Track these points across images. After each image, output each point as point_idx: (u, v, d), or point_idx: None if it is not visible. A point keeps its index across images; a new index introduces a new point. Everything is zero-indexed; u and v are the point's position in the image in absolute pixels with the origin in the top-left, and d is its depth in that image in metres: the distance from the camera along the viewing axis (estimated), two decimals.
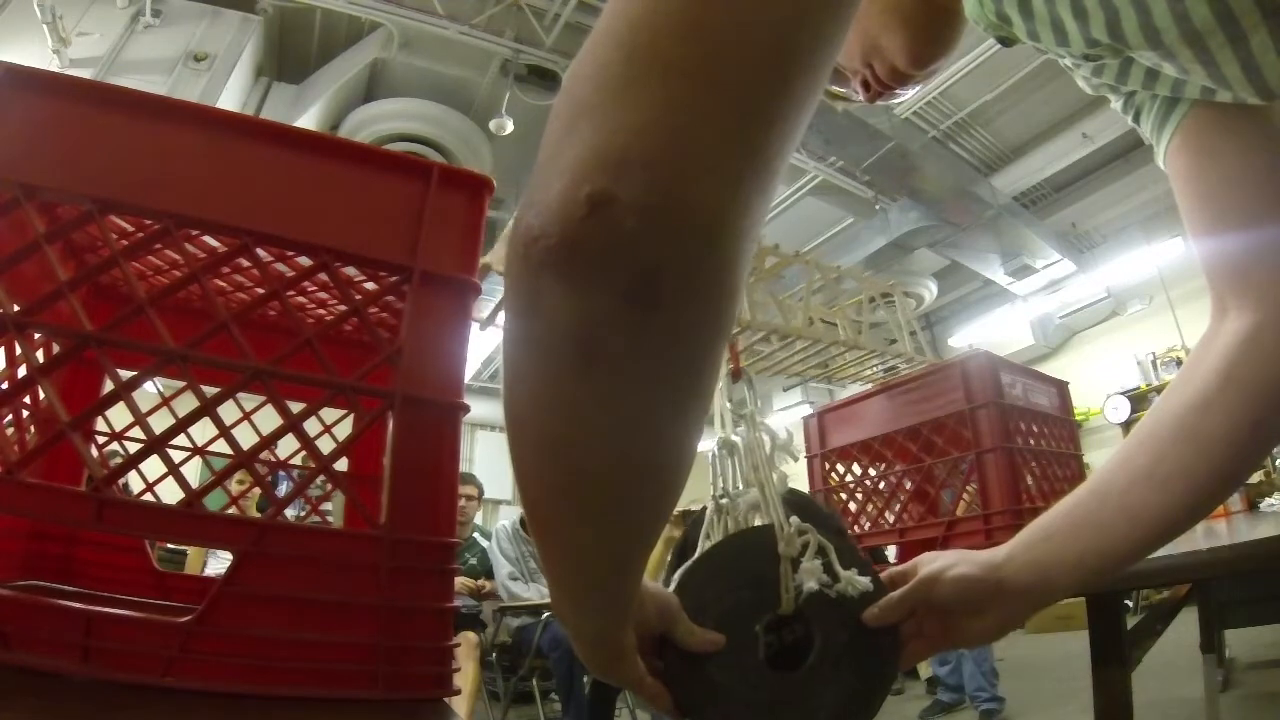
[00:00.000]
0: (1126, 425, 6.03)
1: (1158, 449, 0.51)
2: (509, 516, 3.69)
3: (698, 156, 0.22)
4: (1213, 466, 0.49)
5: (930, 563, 0.54)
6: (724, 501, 0.55)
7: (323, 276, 0.49)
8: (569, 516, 0.32)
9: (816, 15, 0.22)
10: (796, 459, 0.58)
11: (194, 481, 0.48)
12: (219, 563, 2.89)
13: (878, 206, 4.93)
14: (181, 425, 0.47)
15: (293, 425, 0.47)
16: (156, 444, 0.45)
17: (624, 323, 0.24)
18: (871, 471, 1.80)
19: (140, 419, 0.46)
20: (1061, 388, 1.66)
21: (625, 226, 0.21)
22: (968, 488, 1.42)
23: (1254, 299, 0.50)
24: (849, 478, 1.82)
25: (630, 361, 0.25)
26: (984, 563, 0.53)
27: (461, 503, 3.13)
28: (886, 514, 1.69)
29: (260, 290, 0.57)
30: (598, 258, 0.22)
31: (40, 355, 0.48)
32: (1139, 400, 6.00)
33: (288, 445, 0.52)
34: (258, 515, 0.46)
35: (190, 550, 3.07)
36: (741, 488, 0.54)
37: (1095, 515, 0.51)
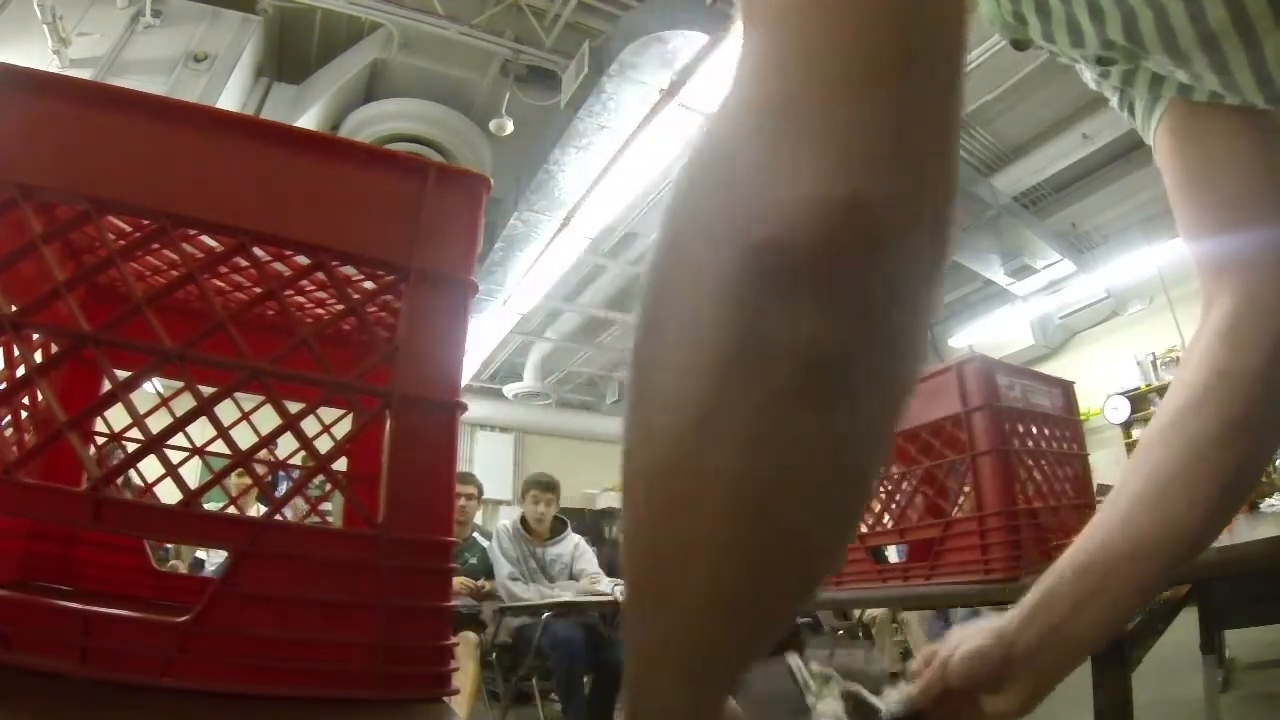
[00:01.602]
0: (1126, 425, 6.03)
1: (1152, 464, 0.48)
2: (509, 516, 3.69)
3: (927, 155, 0.21)
4: (1211, 471, 0.46)
5: (952, 642, 0.51)
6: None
7: (320, 276, 0.49)
8: (744, 589, 0.24)
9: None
10: None
11: (196, 482, 0.48)
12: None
13: None
14: (179, 425, 0.47)
15: (291, 424, 0.47)
16: (154, 444, 0.45)
17: (879, 339, 0.21)
18: None
19: (138, 419, 0.46)
20: (1066, 388, 1.66)
21: (885, 229, 0.20)
22: (964, 489, 1.41)
23: (1230, 287, 0.49)
24: None
25: (876, 386, 0.22)
26: (994, 630, 0.50)
27: (461, 502, 3.14)
28: (885, 516, 1.69)
29: (258, 290, 0.57)
30: (859, 266, 0.20)
31: (38, 355, 0.48)
32: (1139, 400, 6.00)
33: (287, 445, 0.52)
34: (261, 510, 0.46)
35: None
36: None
37: (1099, 552, 0.48)
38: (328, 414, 0.66)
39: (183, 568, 3.29)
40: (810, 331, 0.20)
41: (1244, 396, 0.46)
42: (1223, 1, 0.39)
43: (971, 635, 0.50)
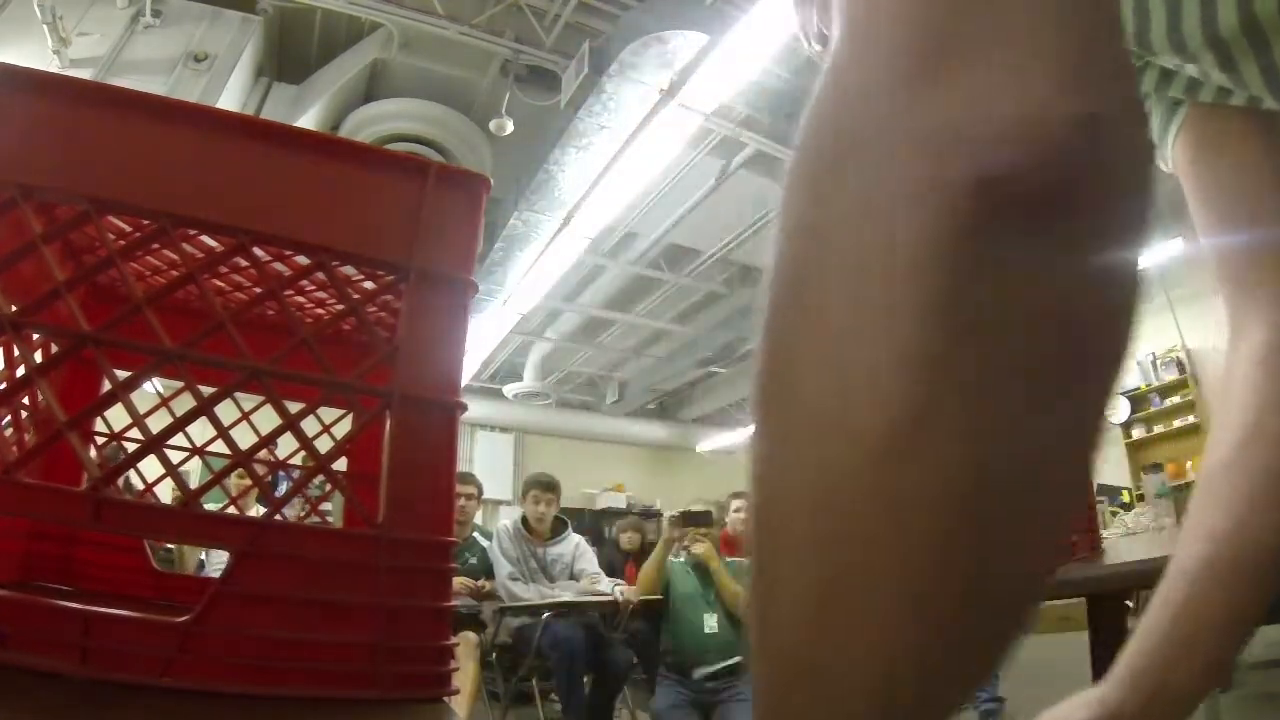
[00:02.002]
0: (1126, 425, 6.03)
1: (1225, 499, 0.46)
2: (509, 516, 3.69)
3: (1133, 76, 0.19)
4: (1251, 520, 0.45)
5: (1053, 718, 0.49)
6: None
7: (320, 276, 0.49)
8: (958, 620, 0.19)
9: None
10: None
11: (196, 482, 0.48)
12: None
13: None
14: (179, 425, 0.47)
15: (291, 424, 0.47)
16: (154, 444, 0.45)
17: (1111, 296, 0.17)
18: None
19: (138, 419, 0.46)
20: None
21: (1122, 151, 0.17)
22: None
23: (1262, 315, 0.49)
24: None
25: (1108, 349, 0.18)
26: (1094, 703, 0.48)
27: (461, 502, 3.14)
28: None
29: (258, 290, 0.57)
30: (1104, 194, 0.16)
31: (38, 355, 0.48)
32: (1139, 400, 6.00)
33: (287, 445, 0.52)
34: (261, 510, 0.46)
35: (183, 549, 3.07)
36: None
37: (1189, 600, 0.46)
38: (328, 414, 0.66)
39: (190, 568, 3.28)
40: (1055, 287, 0.17)
41: None
42: (1235, 7, 0.39)
43: (1070, 711, 0.49)
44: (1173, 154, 0.53)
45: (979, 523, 0.18)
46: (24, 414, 0.54)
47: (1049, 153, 0.16)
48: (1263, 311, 0.48)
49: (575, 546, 3.29)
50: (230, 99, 3.43)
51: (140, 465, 0.48)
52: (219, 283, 0.60)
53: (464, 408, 0.50)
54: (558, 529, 3.30)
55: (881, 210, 0.17)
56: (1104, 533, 1.79)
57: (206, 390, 0.46)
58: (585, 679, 2.86)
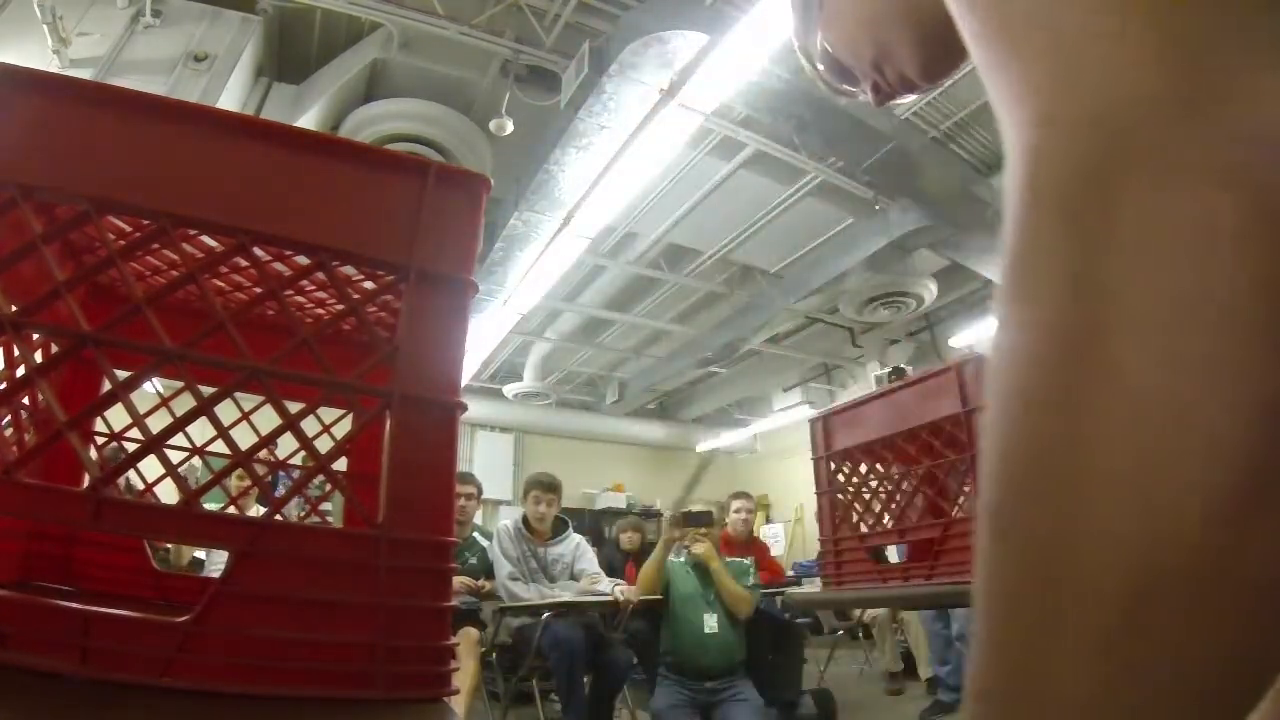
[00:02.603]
0: None
1: None
2: (509, 516, 3.69)
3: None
4: None
5: None
6: None
7: (320, 276, 0.49)
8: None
9: None
10: None
11: (196, 482, 0.47)
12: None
13: (878, 207, 4.93)
14: (179, 425, 0.47)
15: (291, 424, 0.47)
16: (154, 444, 0.45)
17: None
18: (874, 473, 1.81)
19: (138, 419, 0.46)
20: None
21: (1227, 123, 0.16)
22: (964, 489, 1.42)
23: None
24: (854, 479, 1.83)
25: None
26: None
27: (461, 502, 3.14)
28: (885, 516, 1.69)
29: (258, 290, 0.57)
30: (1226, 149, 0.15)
31: (38, 355, 0.48)
32: None
33: (287, 445, 0.52)
34: (261, 510, 0.46)
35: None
36: None
37: None
38: (328, 414, 0.66)
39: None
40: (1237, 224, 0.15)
41: None
42: None
43: None
44: None
45: None
46: (24, 414, 0.54)
47: (1167, 109, 0.16)
48: None
49: (575, 546, 3.29)
50: (230, 99, 3.43)
51: (140, 465, 0.48)
52: (219, 283, 0.60)
53: (464, 408, 0.50)
54: (558, 529, 3.29)
55: (1190, 251, 0.15)
56: None
57: (206, 390, 0.46)
58: (585, 679, 2.86)
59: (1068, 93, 0.18)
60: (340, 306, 0.54)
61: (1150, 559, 0.15)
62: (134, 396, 0.45)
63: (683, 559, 2.97)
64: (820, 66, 0.51)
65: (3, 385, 0.47)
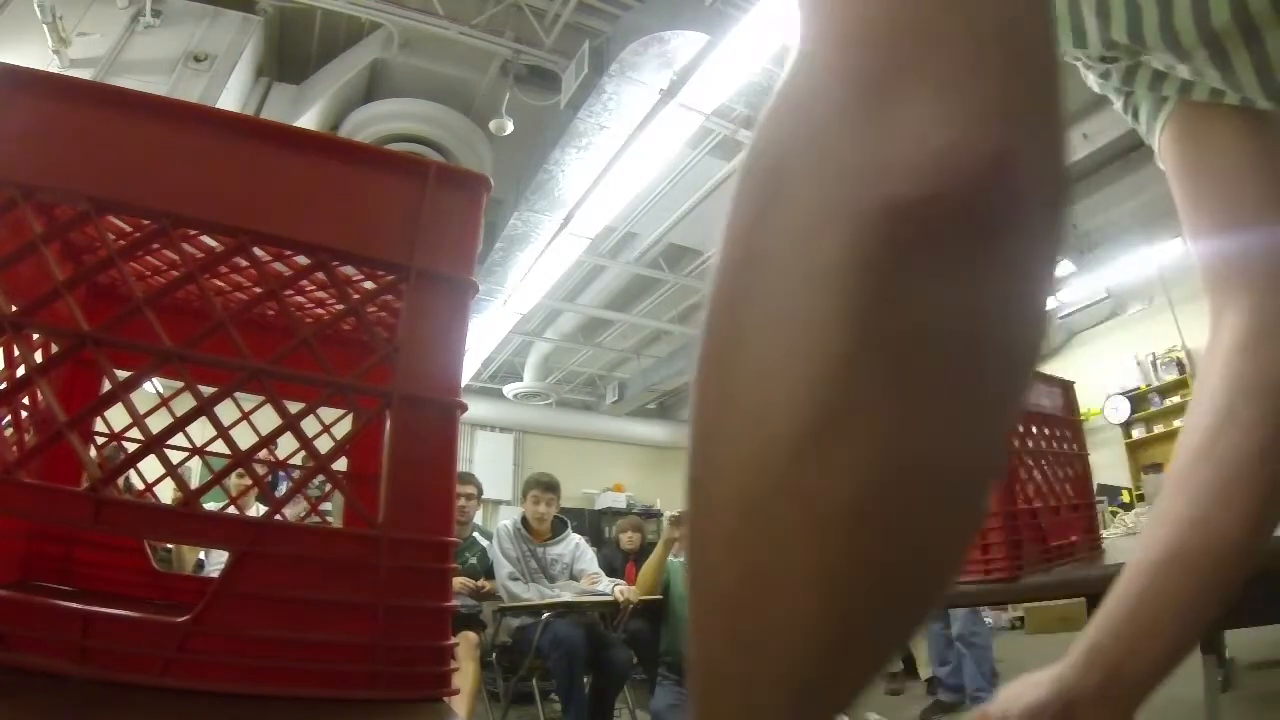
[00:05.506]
0: (1126, 425, 6.02)
1: (1192, 489, 0.46)
2: (509, 516, 3.69)
3: (1058, 114, 0.19)
4: (1250, 488, 0.45)
5: (1003, 699, 0.49)
6: None
7: (320, 276, 0.49)
8: (864, 613, 0.21)
9: None
10: None
11: (196, 482, 0.48)
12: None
13: None
14: (179, 425, 0.47)
15: (291, 424, 0.47)
16: (154, 444, 0.45)
17: (1017, 317, 0.19)
18: None
19: (138, 419, 0.46)
20: (1066, 388, 1.66)
21: (1034, 187, 0.18)
22: None
23: (1240, 302, 0.49)
24: None
25: (1007, 368, 0.20)
26: (1051, 682, 0.48)
27: (461, 502, 3.14)
28: None
29: (258, 290, 0.57)
30: (1009, 233, 0.18)
31: (38, 355, 0.48)
32: (1139, 400, 6.00)
33: (287, 445, 0.52)
34: (261, 510, 0.46)
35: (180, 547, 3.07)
36: None
37: (1150, 588, 0.47)
38: (328, 414, 0.66)
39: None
40: (962, 309, 0.18)
41: (1273, 415, 0.45)
42: (1228, 2, 0.39)
43: (1024, 690, 0.49)
44: (1160, 146, 0.53)
45: (883, 523, 0.19)
46: (24, 414, 0.54)
47: (961, 184, 0.17)
48: (1243, 299, 0.48)
49: (575, 546, 3.29)
50: (230, 99, 3.43)
51: (140, 465, 0.48)
52: (219, 283, 0.60)
53: (464, 408, 0.50)
54: (558, 529, 3.30)
55: (809, 228, 0.19)
56: (1104, 533, 1.80)
57: (206, 390, 0.46)
58: (585, 679, 2.86)
59: (781, 95, 0.22)
60: (340, 306, 0.54)
61: (754, 481, 0.20)
62: (134, 396, 0.45)
63: (683, 559, 2.97)
64: None
65: (3, 385, 0.47)
